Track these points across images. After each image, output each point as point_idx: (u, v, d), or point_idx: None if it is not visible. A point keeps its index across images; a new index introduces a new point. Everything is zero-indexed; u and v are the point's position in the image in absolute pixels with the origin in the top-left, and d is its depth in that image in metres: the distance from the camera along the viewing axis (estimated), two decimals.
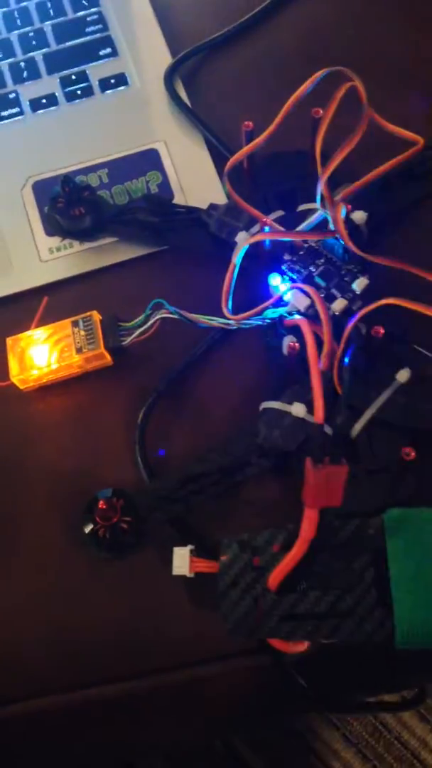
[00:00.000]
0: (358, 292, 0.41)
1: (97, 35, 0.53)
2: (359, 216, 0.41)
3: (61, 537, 0.41)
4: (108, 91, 0.51)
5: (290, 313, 0.40)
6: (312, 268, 0.42)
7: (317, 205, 0.39)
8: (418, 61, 0.50)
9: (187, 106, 0.50)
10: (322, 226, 0.41)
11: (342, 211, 0.38)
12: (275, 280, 0.42)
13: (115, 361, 0.43)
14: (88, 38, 0.53)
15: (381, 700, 0.42)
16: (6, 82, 0.52)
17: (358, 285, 0.41)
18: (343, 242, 0.39)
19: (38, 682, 0.39)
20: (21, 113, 0.51)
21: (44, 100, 0.51)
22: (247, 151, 0.41)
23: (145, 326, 0.41)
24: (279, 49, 0.52)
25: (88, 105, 0.51)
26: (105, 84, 0.52)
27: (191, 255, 0.46)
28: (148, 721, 0.39)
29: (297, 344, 0.38)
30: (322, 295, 0.41)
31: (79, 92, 0.51)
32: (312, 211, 0.42)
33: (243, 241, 0.41)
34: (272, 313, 0.41)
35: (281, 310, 0.41)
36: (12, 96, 0.52)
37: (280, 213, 0.44)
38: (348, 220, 0.40)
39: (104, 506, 0.38)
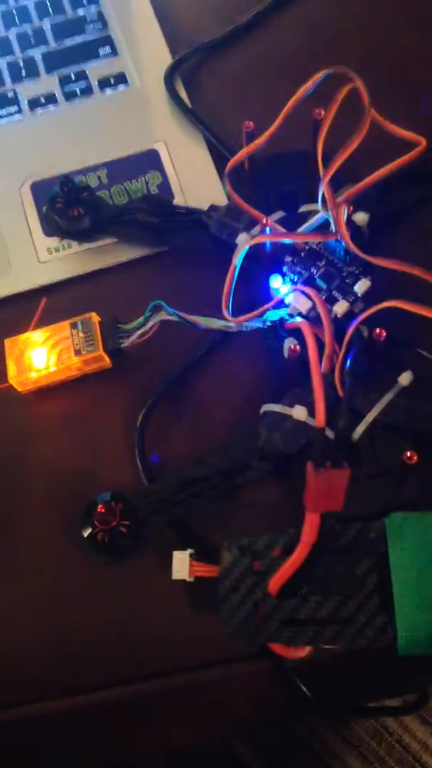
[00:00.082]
0: (359, 295, 0.41)
1: (97, 34, 0.53)
2: (361, 217, 0.41)
3: (60, 539, 0.40)
4: (107, 91, 0.51)
5: (291, 316, 0.40)
6: (313, 270, 0.42)
7: (318, 206, 0.38)
8: (420, 61, 0.50)
9: (188, 106, 0.50)
10: (323, 227, 0.41)
11: (344, 212, 0.38)
12: (276, 282, 0.42)
13: (114, 364, 0.43)
14: (87, 37, 0.53)
15: (382, 704, 0.42)
16: (4, 81, 0.52)
17: (360, 287, 0.40)
18: (344, 244, 0.39)
19: (37, 685, 0.39)
20: (19, 113, 0.51)
21: (43, 100, 0.51)
22: (248, 152, 0.40)
23: (145, 328, 0.40)
24: (280, 49, 0.52)
25: (87, 105, 0.51)
26: (104, 83, 0.51)
27: (191, 256, 0.46)
28: (148, 725, 0.39)
29: (298, 347, 0.38)
30: (324, 297, 0.41)
31: (78, 92, 0.51)
32: (313, 212, 0.42)
33: (243, 242, 0.41)
34: (273, 316, 0.40)
35: (282, 313, 0.40)
36: (10, 95, 0.51)
37: (281, 214, 0.44)
38: (349, 222, 0.40)
39: (103, 510, 0.38)
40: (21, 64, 0.52)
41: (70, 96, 0.51)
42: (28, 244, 0.47)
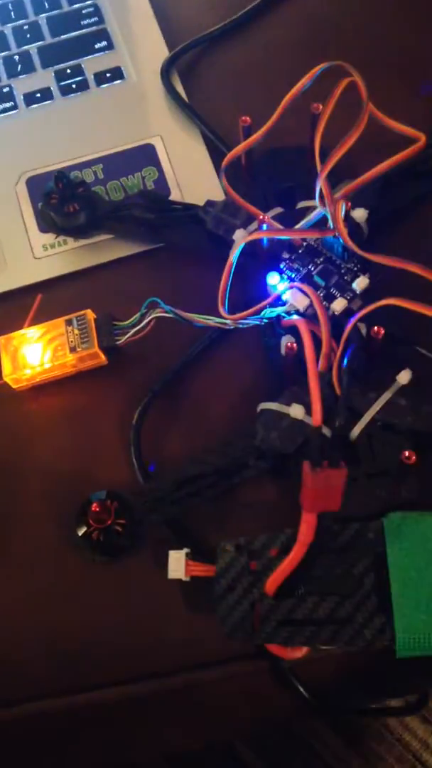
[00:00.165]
0: (357, 292, 0.40)
1: (93, 28, 0.52)
2: (359, 214, 0.40)
3: (55, 538, 0.40)
4: (103, 85, 0.51)
5: (288, 313, 0.40)
6: (311, 267, 0.41)
7: (316, 202, 0.38)
8: (419, 55, 0.50)
9: (184, 100, 0.49)
10: (321, 223, 0.40)
11: (342, 208, 0.37)
12: (273, 279, 0.41)
13: (110, 361, 0.42)
14: (83, 31, 0.52)
15: (382, 704, 0.42)
16: (0, 77, 0.51)
17: (358, 284, 0.40)
18: (342, 240, 0.39)
19: (35, 684, 0.38)
20: (15, 107, 0.51)
21: (39, 95, 0.51)
22: (245, 147, 0.40)
23: (140, 325, 0.40)
24: (277, 43, 0.51)
25: (83, 99, 0.51)
26: (100, 78, 0.51)
27: (188, 252, 0.45)
28: (147, 725, 0.39)
29: (295, 344, 0.38)
30: (322, 295, 0.40)
31: (74, 86, 0.51)
32: (311, 208, 0.41)
33: (240, 238, 0.41)
34: (270, 313, 0.40)
35: (279, 310, 0.40)
36: (6, 90, 0.51)
37: (278, 210, 0.43)
38: (348, 218, 0.39)
39: (97, 509, 0.37)
40: (16, 58, 0.52)
41: (65, 91, 0.51)
42: (23, 240, 0.47)
